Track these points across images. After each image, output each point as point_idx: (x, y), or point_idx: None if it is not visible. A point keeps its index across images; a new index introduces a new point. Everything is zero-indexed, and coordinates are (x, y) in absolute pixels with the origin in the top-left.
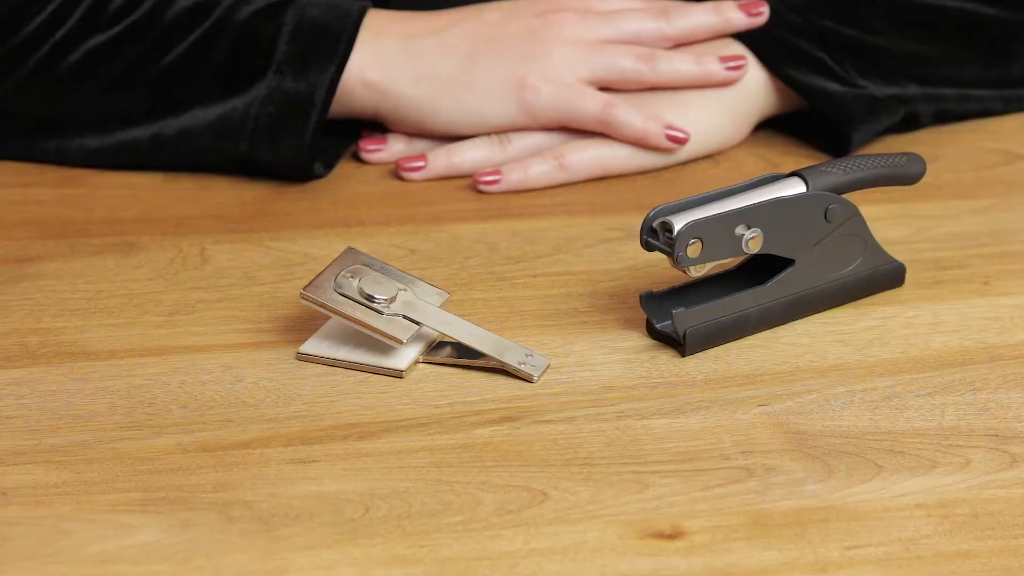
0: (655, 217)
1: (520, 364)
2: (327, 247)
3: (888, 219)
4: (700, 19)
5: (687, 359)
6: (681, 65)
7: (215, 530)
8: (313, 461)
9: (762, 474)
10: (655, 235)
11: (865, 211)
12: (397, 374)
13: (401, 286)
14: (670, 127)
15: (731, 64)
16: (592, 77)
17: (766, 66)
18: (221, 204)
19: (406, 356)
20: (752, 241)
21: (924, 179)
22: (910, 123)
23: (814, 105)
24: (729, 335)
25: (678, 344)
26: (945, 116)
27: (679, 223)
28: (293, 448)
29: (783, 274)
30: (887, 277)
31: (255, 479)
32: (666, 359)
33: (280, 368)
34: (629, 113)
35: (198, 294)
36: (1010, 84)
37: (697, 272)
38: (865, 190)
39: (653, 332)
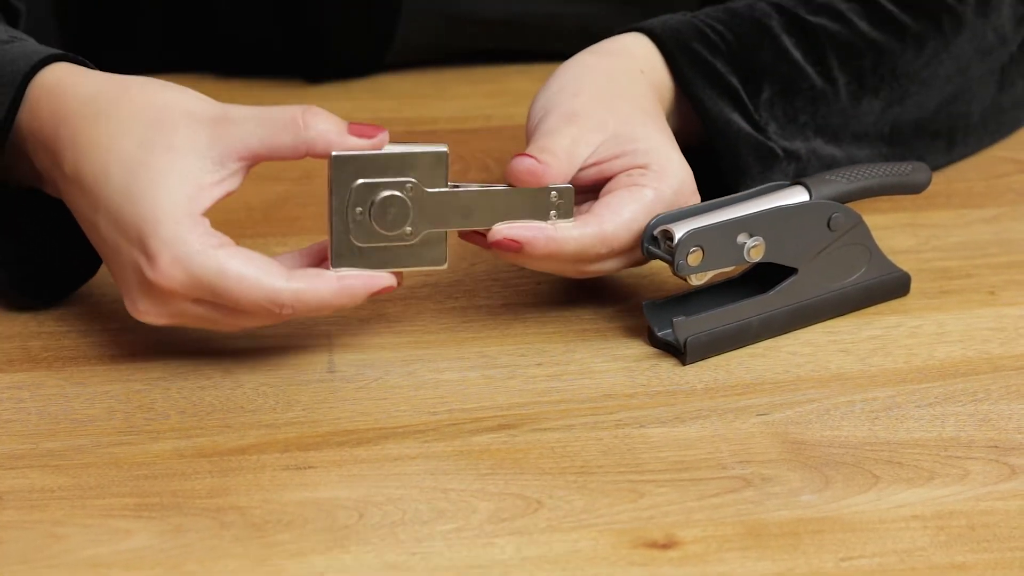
0: (656, 225)
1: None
2: None
3: (896, 228)
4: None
5: (688, 368)
6: None
7: (208, 536)
8: (309, 467)
9: (759, 484)
10: (656, 243)
11: (873, 219)
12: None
13: (405, 181)
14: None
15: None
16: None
17: (673, 76)
18: (228, 210)
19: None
20: (754, 250)
21: (934, 188)
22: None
23: (712, 139)
24: (731, 344)
25: (679, 352)
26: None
27: (680, 231)
28: (290, 454)
29: (786, 283)
30: (891, 287)
31: (250, 485)
32: (667, 367)
33: (280, 374)
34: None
35: None
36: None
37: (698, 280)
38: (874, 198)
39: (655, 340)
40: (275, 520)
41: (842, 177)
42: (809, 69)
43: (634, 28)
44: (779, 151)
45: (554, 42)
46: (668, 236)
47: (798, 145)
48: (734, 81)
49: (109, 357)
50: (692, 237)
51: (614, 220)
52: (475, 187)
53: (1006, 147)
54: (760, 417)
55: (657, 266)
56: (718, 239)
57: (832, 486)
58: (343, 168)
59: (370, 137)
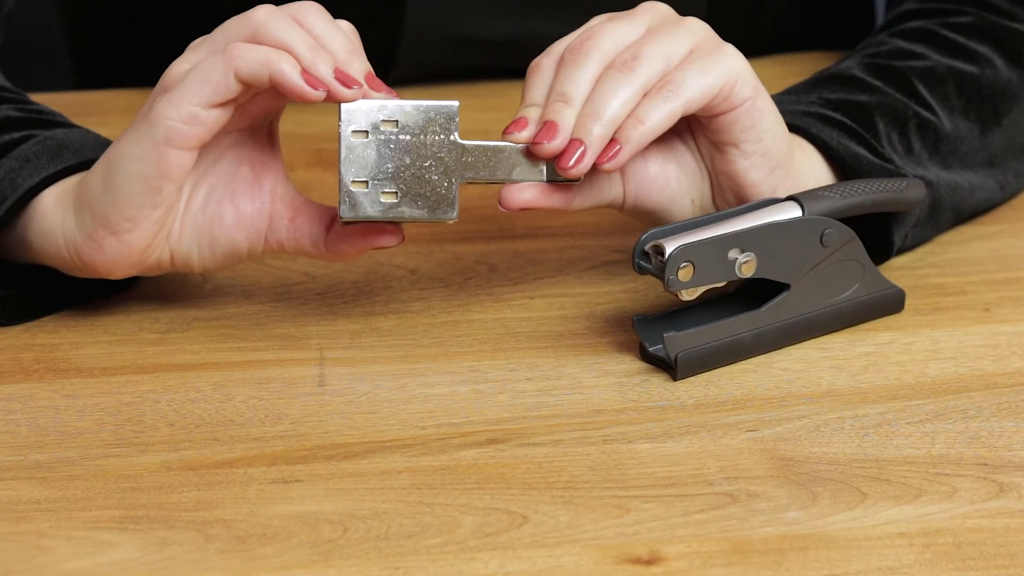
0: (647, 240)
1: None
2: (327, 266)
3: None
4: None
5: (678, 383)
6: None
7: (192, 549)
8: (296, 481)
9: (745, 500)
10: (647, 258)
11: None
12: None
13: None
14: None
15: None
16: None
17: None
18: None
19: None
20: (745, 265)
21: None
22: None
23: (848, 173)
24: (722, 359)
25: (670, 368)
26: (958, 211)
27: (670, 246)
28: (277, 468)
29: (778, 299)
30: (885, 303)
31: (236, 498)
32: (658, 383)
33: (270, 387)
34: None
35: (194, 312)
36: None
37: (689, 296)
38: None
39: (646, 356)
40: (259, 533)
41: (835, 193)
42: (906, 100)
43: None
44: (910, 176)
45: None
46: (659, 251)
47: (921, 172)
48: (848, 121)
49: (101, 370)
50: (683, 252)
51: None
52: (484, 143)
53: None
54: (749, 433)
55: (653, 281)
56: (709, 254)
57: (819, 503)
58: (353, 114)
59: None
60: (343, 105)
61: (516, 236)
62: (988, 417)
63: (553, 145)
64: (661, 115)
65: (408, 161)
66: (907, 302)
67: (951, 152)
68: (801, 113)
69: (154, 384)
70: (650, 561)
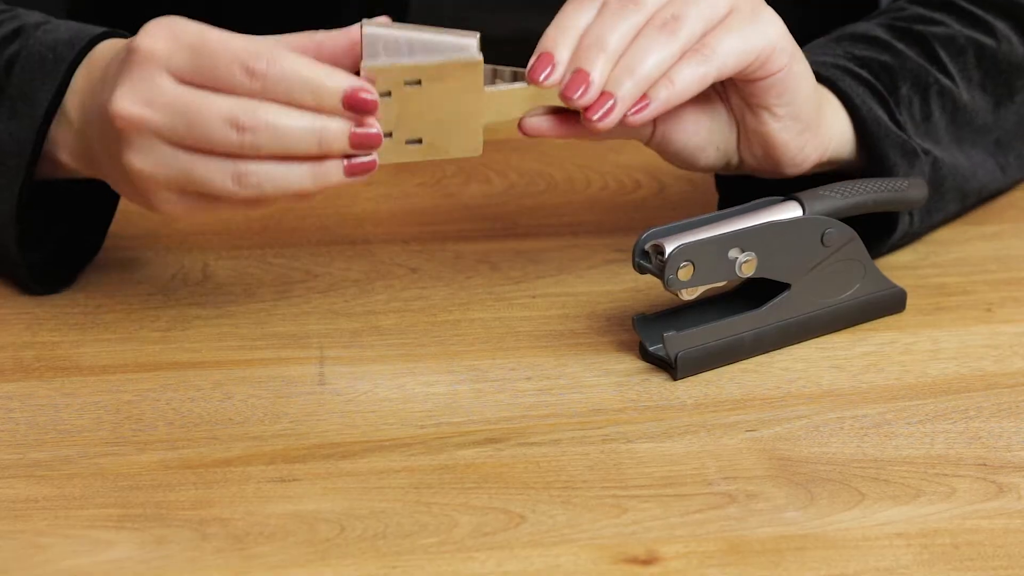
0: (647, 239)
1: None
2: (329, 264)
3: None
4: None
5: (679, 383)
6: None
7: (189, 547)
8: (293, 480)
9: (743, 500)
10: (647, 257)
11: None
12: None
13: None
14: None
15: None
16: None
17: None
18: (227, 221)
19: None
20: (746, 265)
21: None
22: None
23: (865, 136)
24: (722, 359)
25: (670, 367)
26: (962, 193)
27: (670, 246)
28: (275, 466)
29: (778, 298)
30: (887, 303)
31: (233, 497)
32: (657, 382)
33: (270, 386)
34: None
35: (196, 310)
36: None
37: (689, 295)
38: None
39: (646, 355)
40: (257, 532)
41: (836, 193)
42: (928, 66)
43: None
44: (919, 150)
45: None
46: (659, 250)
47: (929, 146)
48: (873, 80)
49: (101, 368)
50: (682, 252)
51: None
52: (506, 87)
53: None
54: (749, 433)
55: (655, 280)
56: (709, 254)
57: (817, 503)
58: (376, 74)
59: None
60: (364, 64)
61: (518, 235)
62: (988, 417)
63: (584, 100)
64: (693, 79)
65: (431, 111)
66: (909, 302)
67: (966, 123)
68: (831, 65)
69: (154, 382)
70: (647, 561)
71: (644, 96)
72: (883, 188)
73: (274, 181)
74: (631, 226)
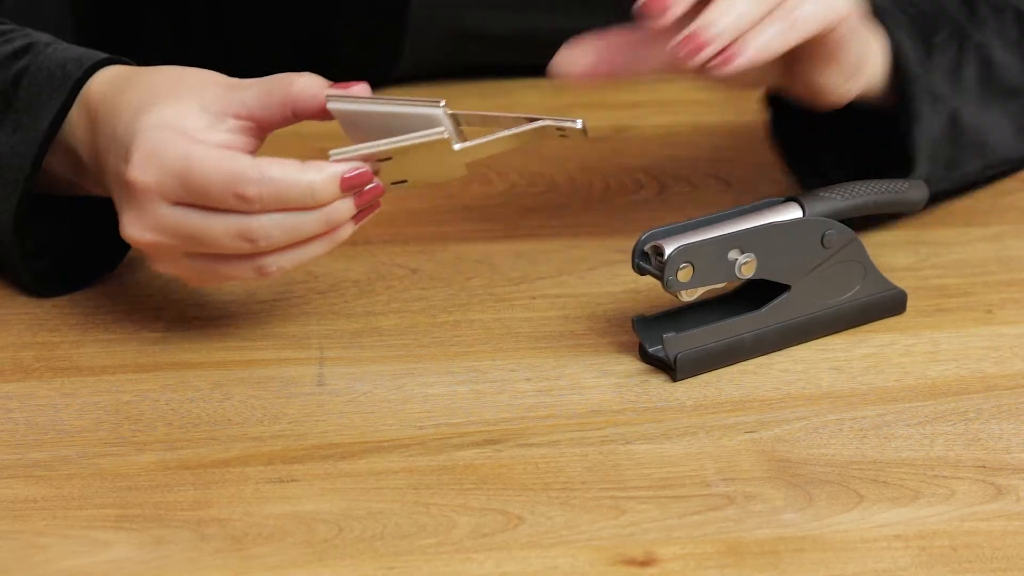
0: (647, 240)
1: (560, 121)
2: (329, 265)
3: (896, 245)
4: None
5: (678, 384)
6: None
7: (187, 548)
8: (292, 480)
9: (741, 502)
10: (647, 259)
11: (874, 236)
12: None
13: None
14: None
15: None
16: None
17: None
18: None
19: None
20: (745, 266)
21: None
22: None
23: (896, 73)
24: (722, 360)
25: (670, 369)
26: (981, 148)
27: (669, 247)
28: (273, 467)
29: (778, 300)
30: (887, 304)
31: (232, 497)
32: (657, 384)
33: (269, 387)
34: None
35: (196, 311)
36: None
37: (689, 296)
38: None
39: (646, 356)
40: (255, 533)
41: (836, 194)
42: (968, 19)
43: None
44: (944, 96)
45: None
46: (658, 251)
47: (955, 98)
48: (915, 19)
49: (101, 368)
50: (682, 253)
51: None
52: (476, 143)
53: None
54: (748, 435)
55: (652, 282)
56: (709, 255)
57: (815, 504)
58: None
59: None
60: (330, 153)
61: (518, 236)
62: (988, 419)
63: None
64: (778, 44)
65: (408, 169)
66: (909, 303)
67: (996, 80)
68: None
69: (153, 383)
70: (645, 562)
71: (729, 47)
72: (884, 190)
73: (293, 261)
74: (632, 227)
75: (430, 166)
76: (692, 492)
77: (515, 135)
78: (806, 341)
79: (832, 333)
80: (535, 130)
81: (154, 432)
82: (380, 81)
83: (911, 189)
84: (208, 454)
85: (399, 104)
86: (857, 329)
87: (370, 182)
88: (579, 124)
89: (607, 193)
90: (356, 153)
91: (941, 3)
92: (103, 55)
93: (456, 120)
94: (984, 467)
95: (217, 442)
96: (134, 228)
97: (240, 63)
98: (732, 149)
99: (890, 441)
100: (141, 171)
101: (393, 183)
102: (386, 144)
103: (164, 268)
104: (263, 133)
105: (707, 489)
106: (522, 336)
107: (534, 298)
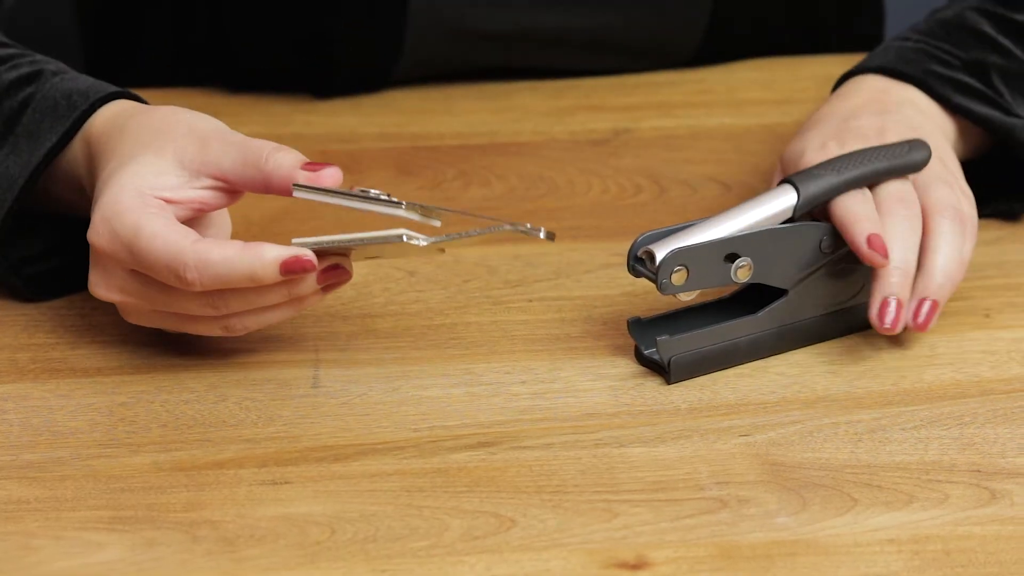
0: (642, 243)
1: (525, 226)
2: None
3: None
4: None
5: (673, 387)
6: None
7: (179, 550)
8: (285, 483)
9: (735, 505)
10: (642, 262)
11: None
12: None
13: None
14: None
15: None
16: None
17: (934, 99)
18: None
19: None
20: (741, 270)
21: None
22: None
23: (995, 135)
24: (717, 364)
25: (665, 372)
26: None
27: (661, 251)
28: (267, 469)
29: (775, 304)
30: None
31: (225, 499)
32: (652, 387)
33: (264, 389)
34: None
35: None
36: None
37: (687, 297)
38: None
39: (641, 359)
40: (247, 535)
41: (831, 170)
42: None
43: (866, 69)
44: None
45: (562, 58)
46: (651, 256)
47: None
48: (979, 85)
49: (96, 370)
50: (675, 256)
51: None
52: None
53: None
54: (742, 438)
55: (649, 285)
56: (703, 258)
57: (809, 508)
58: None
59: (318, 170)
60: (294, 241)
61: (516, 239)
62: (983, 424)
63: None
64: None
65: (377, 253)
66: None
67: None
68: (945, 81)
69: (148, 385)
70: (637, 566)
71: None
72: (883, 156)
73: (259, 323)
74: (630, 230)
75: (396, 249)
76: (685, 495)
77: (479, 234)
78: (803, 346)
79: (830, 338)
80: (496, 229)
81: (148, 434)
82: (380, 81)
83: (912, 151)
84: (202, 456)
85: (362, 201)
86: (855, 333)
87: (312, 269)
88: (542, 234)
89: (607, 196)
90: (316, 246)
91: (1006, 55)
92: (110, 88)
93: (424, 208)
94: (979, 471)
95: (211, 444)
96: (100, 288)
97: (240, 63)
98: (731, 152)
99: (885, 445)
100: (97, 235)
101: (367, 257)
102: (347, 239)
103: (135, 320)
104: (238, 194)
105: (700, 492)
106: (518, 339)
107: (531, 301)
